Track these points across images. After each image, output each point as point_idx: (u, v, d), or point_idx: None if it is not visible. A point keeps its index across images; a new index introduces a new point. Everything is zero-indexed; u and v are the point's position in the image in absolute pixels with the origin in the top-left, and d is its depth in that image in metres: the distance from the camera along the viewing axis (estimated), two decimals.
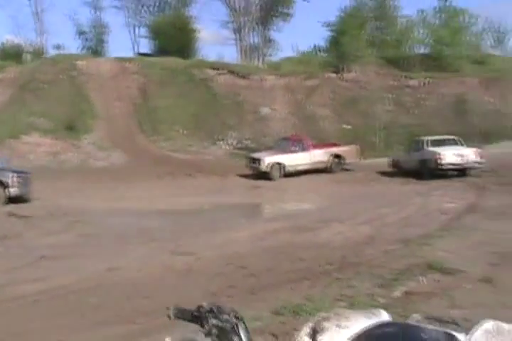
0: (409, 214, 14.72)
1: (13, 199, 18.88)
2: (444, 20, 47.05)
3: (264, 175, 25.28)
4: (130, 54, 50.88)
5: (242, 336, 1.88)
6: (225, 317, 1.92)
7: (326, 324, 1.96)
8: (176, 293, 7.58)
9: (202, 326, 1.96)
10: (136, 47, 55.01)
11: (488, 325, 1.66)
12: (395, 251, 10.02)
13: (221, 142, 35.61)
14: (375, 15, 49.84)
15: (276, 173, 25.48)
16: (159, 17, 53.15)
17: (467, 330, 1.62)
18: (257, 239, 11.93)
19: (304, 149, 26.57)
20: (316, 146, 27.28)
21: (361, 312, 2.07)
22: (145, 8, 55.96)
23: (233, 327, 1.89)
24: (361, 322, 1.91)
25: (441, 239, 10.85)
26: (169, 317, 2.10)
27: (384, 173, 25.25)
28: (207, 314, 1.96)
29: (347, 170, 26.81)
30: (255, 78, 40.75)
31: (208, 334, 1.93)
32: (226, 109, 37.66)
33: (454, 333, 1.67)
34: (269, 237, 12.14)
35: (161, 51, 45.97)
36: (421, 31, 48.07)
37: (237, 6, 51.74)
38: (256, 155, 27.08)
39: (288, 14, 54.12)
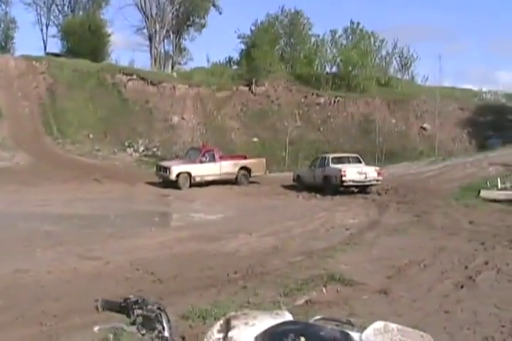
0: (314, 228, 15.23)
1: None
2: (354, 41, 48.68)
3: (173, 184, 25.33)
4: (40, 53, 49.73)
5: (165, 324, 2.15)
6: (150, 307, 2.18)
7: (235, 322, 2.25)
8: (84, 296, 7.59)
9: (128, 316, 2.21)
10: (46, 47, 53.90)
11: (378, 324, 1.99)
12: (299, 263, 10.42)
13: (130, 148, 35.36)
14: (287, 31, 51.02)
15: (184, 183, 25.59)
16: (71, 17, 52.29)
17: (361, 330, 1.93)
18: (165, 247, 12.08)
19: (212, 160, 26.81)
20: (224, 158, 27.59)
21: (267, 312, 2.37)
22: (57, 7, 54.93)
23: (156, 316, 2.15)
24: (267, 321, 2.21)
25: (344, 252, 11.35)
26: (97, 308, 2.33)
27: (290, 187, 25.83)
28: (133, 305, 2.21)
29: (254, 182, 27.23)
30: (166, 86, 40.81)
31: (133, 323, 2.18)
32: (136, 116, 37.53)
33: (349, 332, 1.98)
34: (177, 245, 12.32)
35: (72, 52, 45.10)
36: (331, 51, 49.52)
37: (152, 13, 51.70)
38: (165, 163, 27.12)
39: (202, 24, 54.75)
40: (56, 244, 12.30)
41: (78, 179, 25.96)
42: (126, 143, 35.62)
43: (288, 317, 2.29)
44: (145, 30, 52.88)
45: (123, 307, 2.27)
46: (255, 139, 38.80)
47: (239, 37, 49.08)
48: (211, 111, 40.34)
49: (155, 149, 35.76)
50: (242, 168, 27.32)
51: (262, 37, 45.53)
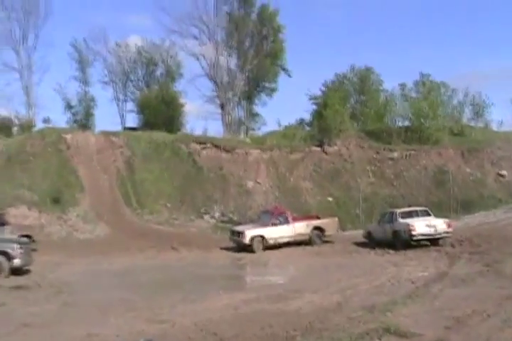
0: (380, 284, 15.27)
1: (14, 270, 19.29)
2: (424, 93, 48.68)
3: (247, 248, 25.72)
4: (117, 127, 52.06)
5: None
6: None
7: None
8: None
9: None
10: (123, 121, 56.34)
11: None
12: (359, 317, 10.57)
13: (206, 215, 36.11)
14: (357, 89, 51.66)
15: (257, 246, 25.93)
16: (146, 92, 54.61)
17: None
18: (230, 308, 12.44)
19: (285, 222, 27.11)
20: (297, 219, 27.86)
21: None
22: (133, 82, 57.64)
23: None
24: None
25: (404, 305, 11.43)
26: None
27: (362, 244, 25.85)
28: None
29: (327, 242, 27.31)
30: (240, 152, 41.71)
31: None
32: (211, 183, 38.43)
33: None
34: (242, 306, 12.66)
35: (148, 125, 46.97)
36: (401, 104, 49.60)
37: (223, 81, 53.41)
38: (238, 228, 27.62)
39: (272, 89, 56.02)
40: (129, 310, 12.89)
41: (155, 247, 26.82)
42: (202, 210, 36.40)
43: None
44: (217, 99, 54.46)
45: None
46: (329, 198, 38.94)
47: (310, 98, 50.09)
48: (284, 173, 40.86)
49: (230, 214, 36.36)
50: (315, 228, 27.48)
51: (332, 96, 46.11)
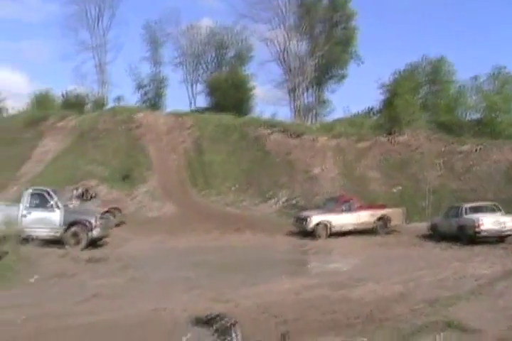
0: (443, 278, 15.13)
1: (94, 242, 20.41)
2: (498, 86, 47.48)
3: (310, 234, 25.83)
4: (187, 109, 52.80)
5: (234, 335, 2.82)
6: (225, 321, 2.86)
7: None
8: None
9: (209, 328, 2.90)
10: (192, 103, 57.03)
11: None
12: (421, 310, 10.59)
13: (271, 199, 36.32)
14: (429, 79, 50.75)
15: (322, 232, 25.99)
16: (216, 74, 55.08)
17: None
18: (292, 292, 12.62)
19: (350, 210, 27.09)
20: (362, 207, 27.76)
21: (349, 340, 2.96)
22: (203, 64, 58.21)
23: (229, 328, 2.82)
24: None
25: (467, 301, 11.37)
26: (189, 323, 3.04)
27: (427, 237, 25.61)
28: (212, 320, 2.91)
29: (392, 232, 27.16)
30: (307, 138, 41.70)
31: (212, 334, 2.88)
32: (277, 167, 38.57)
33: None
34: (304, 291, 12.82)
35: (217, 107, 47.49)
36: (474, 97, 48.55)
37: (292, 67, 53.33)
38: (303, 214, 27.71)
39: (342, 76, 55.56)
40: (193, 288, 13.26)
41: (220, 229, 27.22)
42: (268, 194, 36.64)
43: None
44: (286, 84, 54.47)
45: (206, 322, 2.98)
46: (396, 189, 38.56)
47: (380, 86, 49.51)
48: (351, 161, 40.63)
49: (296, 200, 36.46)
50: (380, 217, 27.36)
51: (403, 85, 45.43)
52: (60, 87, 71.66)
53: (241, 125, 42.16)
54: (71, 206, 24.47)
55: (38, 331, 9.03)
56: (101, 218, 20.93)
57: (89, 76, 55.33)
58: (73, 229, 20.16)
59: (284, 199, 36.39)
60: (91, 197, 28.27)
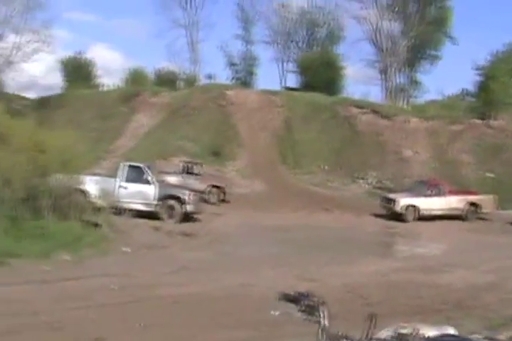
0: None
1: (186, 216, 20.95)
2: None
3: (398, 217, 25.52)
4: (277, 87, 52.77)
5: (323, 313, 2.88)
6: (314, 299, 2.93)
7: (403, 330, 2.88)
8: None
9: (297, 305, 2.99)
10: (283, 81, 56.95)
11: None
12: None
13: (361, 180, 36.05)
14: None
15: (410, 215, 25.61)
16: (307, 53, 54.74)
17: None
18: (379, 274, 12.60)
19: (440, 194, 26.52)
20: (452, 192, 27.12)
21: (434, 326, 2.96)
22: (294, 43, 57.93)
23: (317, 306, 2.90)
24: (431, 332, 2.78)
25: None
26: (277, 298, 3.14)
27: None
28: (300, 297, 2.99)
29: (482, 219, 26.50)
30: (399, 119, 40.97)
31: (300, 310, 2.96)
32: (367, 148, 38.14)
33: None
34: (391, 274, 12.77)
35: (307, 86, 47.20)
36: None
37: (385, 47, 52.37)
38: (391, 195, 27.36)
39: (436, 57, 54.03)
40: (279, 265, 13.45)
41: (308, 208, 27.27)
42: (357, 175, 36.39)
43: (451, 331, 2.86)
44: (378, 64, 53.63)
45: (294, 298, 3.06)
46: (490, 174, 37.50)
47: (475, 68, 47.91)
48: (443, 144, 39.71)
49: (386, 182, 36.04)
50: (471, 203, 26.69)
51: (500, 68, 43.80)
52: (153, 64, 73.03)
53: (332, 104, 41.86)
54: (173, 180, 25.39)
55: (132, 298, 9.42)
56: (194, 194, 21.36)
57: (182, 53, 56.06)
58: (168, 202, 20.79)
59: (373, 180, 36.02)
60: (195, 174, 28.87)
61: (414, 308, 9.45)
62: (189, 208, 20.97)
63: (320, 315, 3.04)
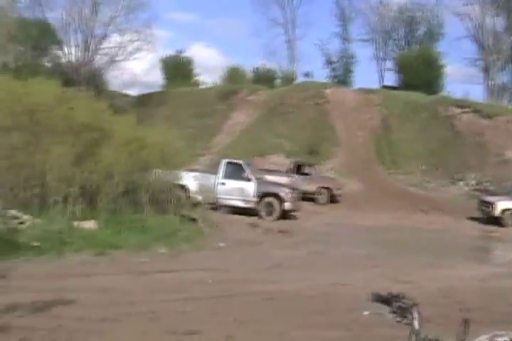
0: None
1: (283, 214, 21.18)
2: None
3: (496, 220, 24.60)
4: (375, 86, 52.22)
5: (415, 315, 2.82)
6: (405, 301, 2.89)
7: (499, 339, 2.80)
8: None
9: (389, 306, 2.94)
10: (381, 80, 56.30)
11: None
12: None
13: (460, 182, 35.09)
14: None
15: (509, 220, 24.68)
16: (406, 51, 53.84)
17: None
18: (477, 280, 12.21)
19: None
20: None
21: None
22: (393, 41, 57.07)
23: (409, 308, 2.84)
24: None
25: None
26: (369, 299, 3.10)
27: None
28: (393, 298, 2.94)
29: None
30: (501, 119, 39.52)
31: (392, 312, 2.91)
32: (467, 149, 37.07)
33: None
34: (490, 280, 12.36)
35: (406, 85, 46.55)
36: None
37: (488, 44, 50.71)
38: (489, 198, 26.38)
39: None
40: (374, 266, 13.28)
41: (405, 209, 26.84)
42: (456, 176, 35.44)
43: None
44: (480, 62, 52.05)
45: (386, 300, 3.02)
46: None
47: None
48: None
49: (486, 184, 34.91)
50: None
51: None
52: (251, 62, 73.82)
53: (431, 103, 40.97)
54: (281, 179, 25.94)
55: (226, 293, 9.55)
56: (292, 192, 21.43)
57: (279, 52, 56.51)
58: (267, 200, 21.00)
59: (472, 182, 34.96)
60: (305, 174, 29.13)
61: None
62: (287, 206, 21.11)
63: (412, 318, 2.99)
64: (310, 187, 27.30)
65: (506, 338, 3.16)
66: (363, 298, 3.54)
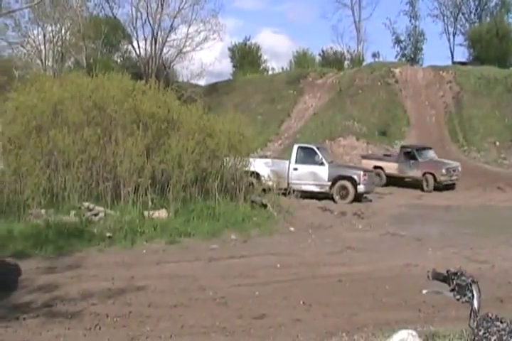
0: None
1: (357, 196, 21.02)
2: None
3: None
4: (446, 62, 50.80)
5: (474, 292, 2.76)
6: (464, 278, 2.83)
7: None
8: None
9: (448, 284, 2.89)
10: (452, 56, 54.81)
11: None
12: None
13: None
14: None
15: None
16: (478, 24, 52.27)
17: None
18: None
19: None
20: None
21: None
22: (463, 15, 55.47)
23: (468, 286, 2.78)
24: None
25: None
26: (428, 277, 3.05)
27: None
28: (453, 276, 2.88)
29: None
30: None
31: (452, 289, 2.86)
32: None
33: None
34: None
35: (478, 59, 45.22)
36: None
37: None
38: None
39: None
40: (448, 245, 13.05)
41: (481, 187, 26.23)
42: None
43: None
44: None
45: (445, 277, 2.99)
46: None
47: None
48: None
49: None
50: None
51: None
52: (320, 46, 73.04)
53: (505, 77, 39.56)
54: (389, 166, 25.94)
55: (295, 277, 9.61)
56: (366, 174, 21.28)
57: (347, 33, 55.84)
58: (341, 183, 20.87)
59: None
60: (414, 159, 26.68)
61: None
62: (361, 189, 20.93)
63: (471, 296, 2.93)
64: (417, 173, 26.07)
65: None
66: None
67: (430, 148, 28.49)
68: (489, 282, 9.42)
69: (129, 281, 8.88)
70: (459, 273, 2.95)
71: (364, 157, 28.95)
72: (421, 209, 20.47)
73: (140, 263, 10.40)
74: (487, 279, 9.61)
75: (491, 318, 3.04)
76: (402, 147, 28.68)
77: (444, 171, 26.02)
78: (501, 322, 3.01)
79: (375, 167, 26.05)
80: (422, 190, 25.68)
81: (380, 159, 27.39)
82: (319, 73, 45.48)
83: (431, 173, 25.81)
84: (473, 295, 2.87)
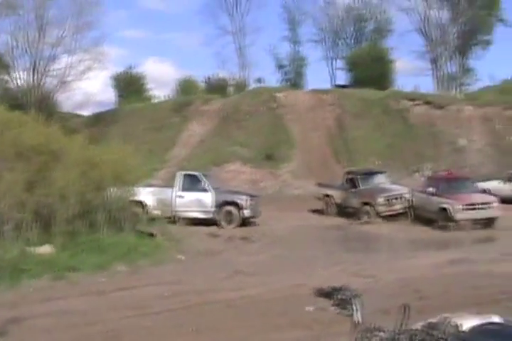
0: None
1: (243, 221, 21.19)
2: None
3: None
4: (327, 86, 52.50)
5: (356, 306, 2.91)
6: (347, 293, 3.01)
7: (447, 319, 2.86)
8: None
9: (331, 299, 3.07)
10: (333, 79, 56.64)
11: None
12: None
13: (416, 173, 35.56)
14: None
15: None
16: (356, 49, 54.44)
17: None
18: (436, 267, 12.43)
19: None
20: None
21: (478, 315, 2.92)
22: (342, 40, 57.64)
23: (350, 300, 2.94)
24: (474, 321, 2.75)
25: None
26: (313, 294, 3.24)
27: None
28: (335, 291, 3.06)
29: None
30: (452, 108, 40.27)
31: (334, 304, 3.04)
32: (421, 140, 37.64)
33: None
34: (448, 266, 12.61)
35: (358, 82, 46.91)
36: None
37: (434, 36, 51.65)
38: None
39: (487, 42, 52.83)
40: (335, 263, 13.44)
41: None
42: (413, 168, 35.92)
43: (496, 320, 2.83)
44: (428, 54, 52.89)
45: (329, 293, 3.16)
46: None
47: None
48: (499, 131, 38.83)
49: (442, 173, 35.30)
50: None
51: None
52: (204, 73, 73.38)
53: (383, 99, 41.37)
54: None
55: (185, 305, 9.55)
56: (251, 199, 21.50)
57: (231, 60, 56.45)
58: (226, 209, 21.05)
59: (429, 172, 35.36)
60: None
61: (470, 299, 9.14)
62: (247, 213, 21.13)
63: (353, 308, 3.06)
64: (355, 202, 23.61)
65: (440, 319, 3.24)
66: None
67: (381, 172, 26.53)
68: (375, 295, 9.76)
69: (13, 322, 8.52)
70: (341, 288, 3.11)
71: (319, 184, 27.24)
72: (309, 229, 20.92)
73: (26, 302, 10.00)
74: (373, 292, 9.96)
75: (374, 328, 3.19)
76: (347, 172, 26.37)
77: (380, 200, 22.59)
78: (382, 332, 3.17)
79: (326, 195, 25.27)
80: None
81: (330, 187, 25.77)
82: (204, 100, 45.68)
83: (367, 203, 22.92)
84: (354, 309, 3.01)
